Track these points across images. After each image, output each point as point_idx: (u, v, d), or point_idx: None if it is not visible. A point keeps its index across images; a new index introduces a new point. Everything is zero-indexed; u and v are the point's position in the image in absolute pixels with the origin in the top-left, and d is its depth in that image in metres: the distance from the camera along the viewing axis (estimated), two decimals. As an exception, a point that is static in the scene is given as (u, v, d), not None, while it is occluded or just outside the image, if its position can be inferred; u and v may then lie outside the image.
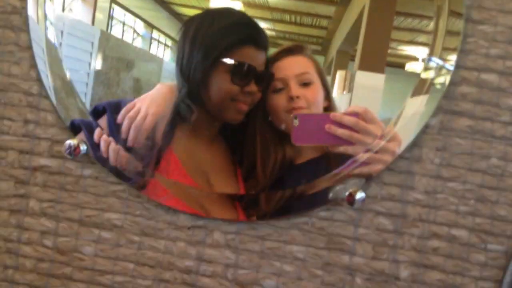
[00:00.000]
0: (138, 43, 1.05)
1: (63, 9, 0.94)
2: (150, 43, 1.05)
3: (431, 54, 0.86)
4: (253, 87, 0.89)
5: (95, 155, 0.88)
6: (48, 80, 0.89)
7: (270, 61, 0.91)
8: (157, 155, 0.89)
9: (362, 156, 0.84)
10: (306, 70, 0.92)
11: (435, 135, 0.86)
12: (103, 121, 0.90)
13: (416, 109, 0.86)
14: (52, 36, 0.91)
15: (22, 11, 0.90)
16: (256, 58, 0.89)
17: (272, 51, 0.93)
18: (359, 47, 0.92)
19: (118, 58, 1.01)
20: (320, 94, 0.93)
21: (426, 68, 0.86)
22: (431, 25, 0.86)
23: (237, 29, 0.90)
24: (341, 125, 0.82)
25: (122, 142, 0.88)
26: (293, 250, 0.89)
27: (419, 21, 0.93)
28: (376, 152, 0.84)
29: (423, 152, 0.87)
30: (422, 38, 0.93)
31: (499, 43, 0.86)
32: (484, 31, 0.86)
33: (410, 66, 0.93)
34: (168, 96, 0.92)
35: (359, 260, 0.88)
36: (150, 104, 0.89)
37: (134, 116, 0.88)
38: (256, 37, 0.90)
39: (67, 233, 0.91)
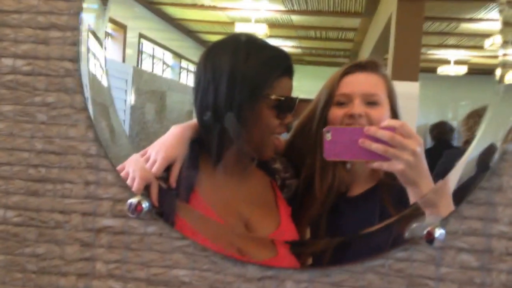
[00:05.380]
0: (168, 74, 1.04)
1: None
2: (180, 72, 1.04)
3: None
4: (290, 118, 0.87)
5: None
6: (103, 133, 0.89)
7: (339, 75, 0.88)
8: (182, 198, 0.86)
9: None
10: (374, 90, 0.87)
11: (516, 162, 0.80)
12: None
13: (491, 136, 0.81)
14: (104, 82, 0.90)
15: (75, 73, 0.90)
16: (291, 88, 0.88)
17: (298, 68, 0.89)
18: (390, 56, 0.90)
19: (152, 91, 1.01)
20: (386, 115, 0.87)
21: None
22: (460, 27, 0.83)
23: (277, 63, 0.87)
24: (376, 139, 0.76)
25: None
26: (371, 296, 0.84)
27: (447, 24, 0.91)
28: (394, 147, 0.76)
29: (503, 180, 0.81)
30: (451, 40, 0.91)
31: None
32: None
33: (442, 70, 0.90)
34: (182, 137, 0.88)
35: (446, 302, 0.82)
36: (159, 149, 0.86)
37: (146, 161, 0.86)
38: (291, 68, 0.88)
39: (136, 293, 0.89)
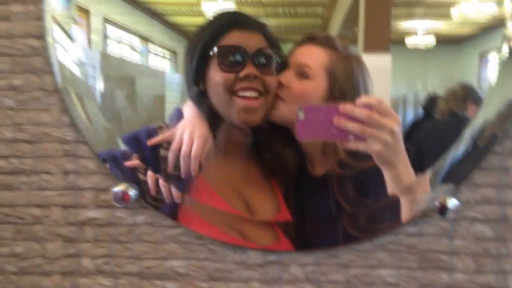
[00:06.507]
0: (137, 58, 0.99)
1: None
2: (147, 56, 1.00)
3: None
4: (251, 69, 0.79)
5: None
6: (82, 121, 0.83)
7: (296, 44, 0.85)
8: (187, 180, 0.81)
9: None
10: (307, 62, 0.82)
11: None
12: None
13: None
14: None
15: (43, 51, 0.82)
16: (245, 40, 0.81)
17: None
18: (361, 28, 0.86)
19: (121, 77, 0.96)
20: (316, 91, 0.82)
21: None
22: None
23: (218, 19, 0.84)
24: (352, 118, 0.70)
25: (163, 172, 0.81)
26: (382, 275, 0.79)
27: None
28: (371, 126, 0.71)
29: (518, 144, 0.76)
30: (419, 11, 0.89)
31: None
32: None
33: (410, 41, 0.87)
34: (200, 115, 0.83)
35: (461, 277, 0.78)
36: (192, 129, 0.81)
37: (178, 147, 0.80)
38: (237, 20, 0.83)
39: (128, 289, 0.83)
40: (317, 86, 0.81)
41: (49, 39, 0.83)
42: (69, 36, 0.85)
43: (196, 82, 0.83)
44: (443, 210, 0.75)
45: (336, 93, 0.81)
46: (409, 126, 0.85)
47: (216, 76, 0.80)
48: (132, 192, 0.79)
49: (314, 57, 0.83)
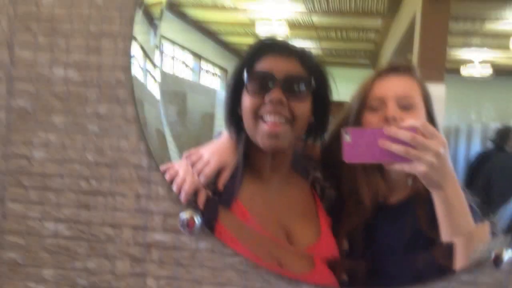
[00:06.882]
0: (189, 75, 1.02)
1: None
2: (199, 73, 1.01)
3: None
4: (276, 94, 0.78)
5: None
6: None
7: (372, 78, 0.84)
8: (224, 205, 0.84)
9: None
10: (409, 93, 0.82)
11: None
12: None
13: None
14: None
15: (126, 83, 0.89)
16: (276, 65, 0.81)
17: None
18: (415, 57, 0.86)
19: (174, 92, 0.98)
20: (422, 120, 0.82)
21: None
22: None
23: (255, 45, 0.86)
24: (396, 140, 0.72)
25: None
26: (434, 321, 0.80)
27: (472, 24, 0.88)
28: (416, 148, 0.72)
29: None
30: (476, 40, 0.88)
31: None
32: None
33: (466, 70, 0.87)
34: (233, 144, 0.86)
35: (513, 329, 0.78)
36: (214, 152, 0.85)
37: (196, 161, 0.84)
38: (272, 45, 0.85)
39: (186, 310, 0.87)
40: (422, 115, 0.82)
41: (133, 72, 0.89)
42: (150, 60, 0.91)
43: (233, 107, 0.84)
44: (497, 261, 0.76)
45: (430, 119, 0.82)
46: (477, 159, 0.85)
47: (245, 100, 0.82)
48: (197, 219, 0.84)
49: (410, 87, 0.83)
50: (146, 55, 0.91)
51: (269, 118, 0.79)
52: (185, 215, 0.83)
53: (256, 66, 0.81)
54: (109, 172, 0.89)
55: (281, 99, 0.79)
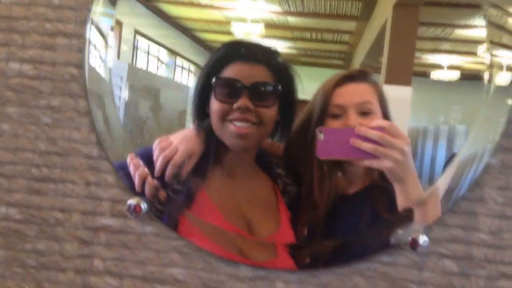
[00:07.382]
0: (163, 71, 1.04)
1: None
2: (174, 70, 1.03)
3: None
4: (244, 102, 0.83)
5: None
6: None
7: (331, 87, 0.88)
8: (189, 195, 0.89)
9: None
10: (367, 99, 0.87)
11: (497, 174, 0.85)
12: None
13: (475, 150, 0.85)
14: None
15: (80, 78, 0.94)
16: (244, 72, 0.85)
17: (299, 69, 0.89)
18: (384, 60, 0.91)
19: (146, 88, 1.01)
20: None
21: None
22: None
23: (223, 49, 0.88)
24: (366, 139, 0.80)
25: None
26: (357, 298, 0.88)
27: (442, 30, 0.93)
28: (383, 146, 0.79)
29: (484, 192, 0.85)
30: (445, 46, 0.92)
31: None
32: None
33: (435, 75, 0.92)
34: (200, 135, 0.91)
35: (427, 306, 0.86)
36: (181, 140, 0.90)
37: (166, 147, 0.89)
38: (241, 51, 0.86)
39: (132, 290, 0.92)
40: (379, 118, 0.87)
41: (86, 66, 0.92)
42: (105, 41, 0.94)
43: (201, 106, 0.89)
44: (414, 245, 0.84)
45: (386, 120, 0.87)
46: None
47: (214, 104, 0.86)
48: (144, 206, 0.89)
49: (367, 93, 0.88)
50: (106, 44, 0.95)
51: (237, 123, 0.85)
52: (132, 201, 0.88)
53: (224, 72, 0.85)
54: (60, 161, 0.94)
55: (248, 107, 0.83)
